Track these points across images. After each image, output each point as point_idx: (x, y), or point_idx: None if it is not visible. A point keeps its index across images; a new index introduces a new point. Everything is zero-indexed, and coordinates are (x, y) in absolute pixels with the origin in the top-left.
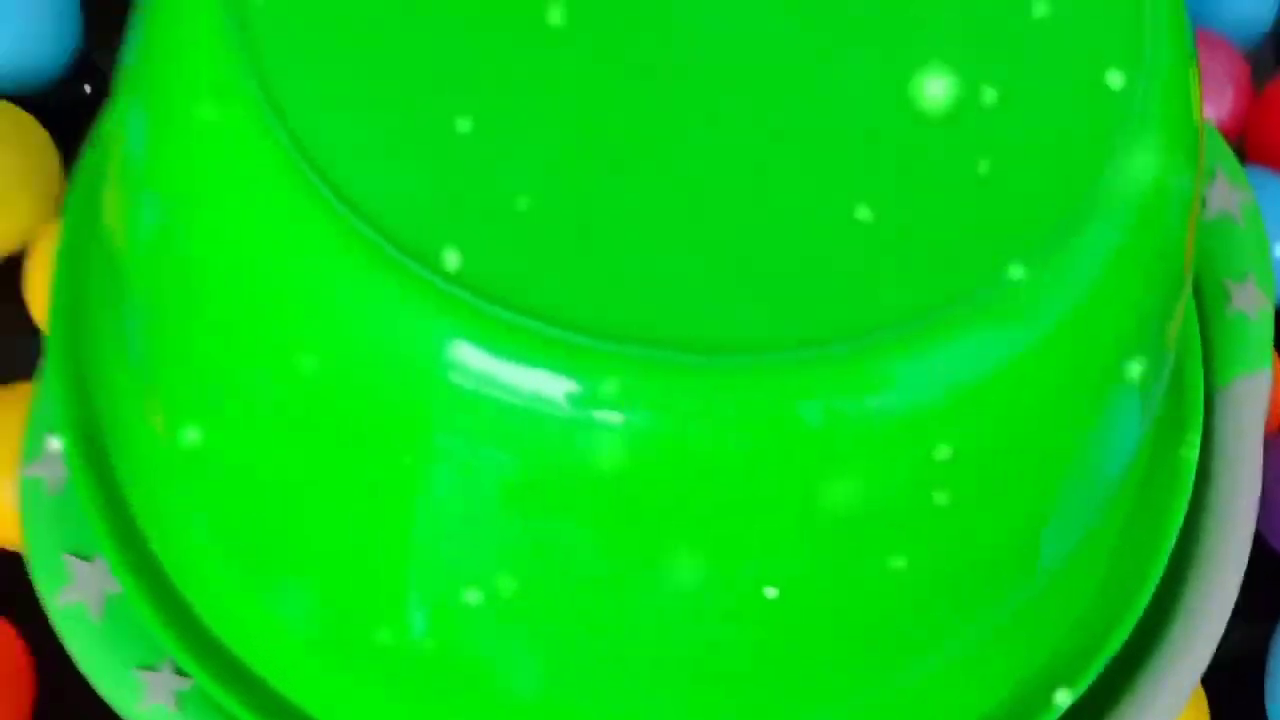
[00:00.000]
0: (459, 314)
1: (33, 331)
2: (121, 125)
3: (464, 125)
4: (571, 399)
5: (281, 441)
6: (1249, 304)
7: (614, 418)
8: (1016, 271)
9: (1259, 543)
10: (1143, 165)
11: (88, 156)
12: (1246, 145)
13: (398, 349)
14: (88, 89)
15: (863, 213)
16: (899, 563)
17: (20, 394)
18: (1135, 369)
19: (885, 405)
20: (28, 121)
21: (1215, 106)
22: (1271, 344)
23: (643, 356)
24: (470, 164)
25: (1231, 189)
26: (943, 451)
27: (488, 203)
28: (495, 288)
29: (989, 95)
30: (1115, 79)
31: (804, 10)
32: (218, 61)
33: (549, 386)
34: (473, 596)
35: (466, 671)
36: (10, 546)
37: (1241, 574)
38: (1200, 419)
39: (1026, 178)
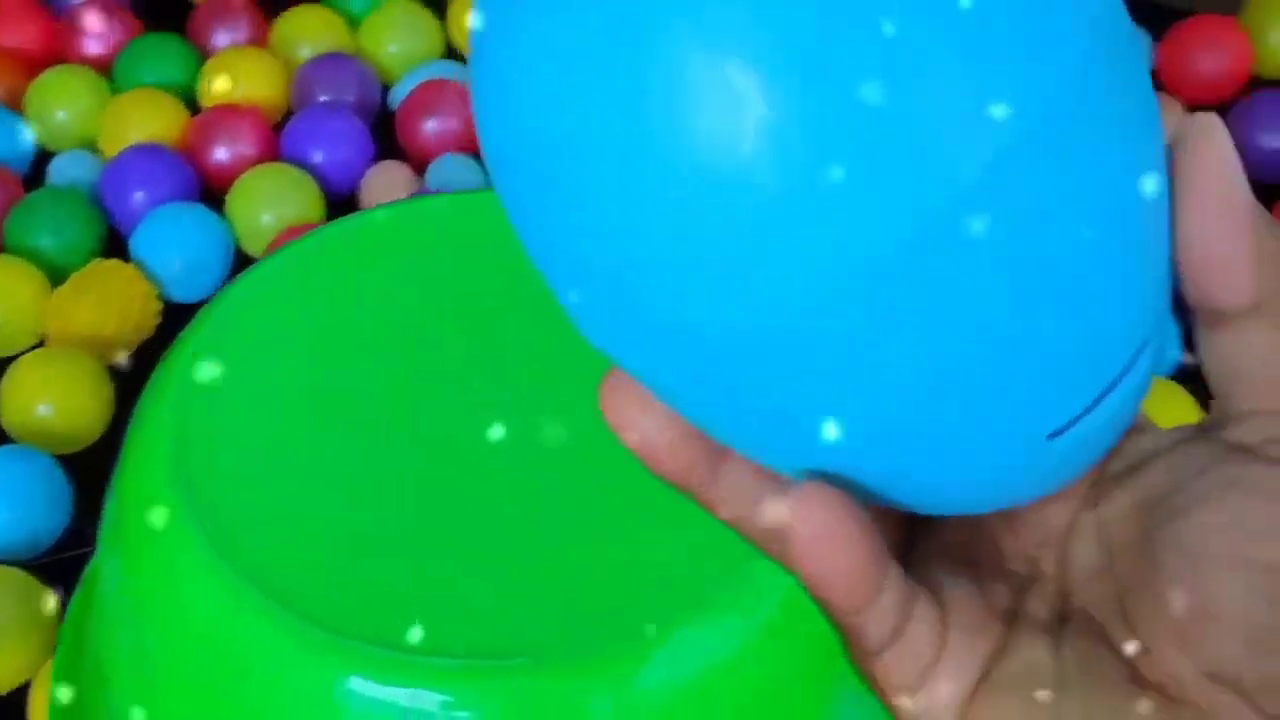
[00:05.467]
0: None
1: None
2: (101, 566)
3: (332, 517)
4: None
5: None
6: None
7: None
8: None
9: None
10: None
11: (76, 599)
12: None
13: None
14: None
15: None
16: None
17: None
18: None
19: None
20: (24, 579)
21: None
22: None
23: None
24: (339, 538)
25: None
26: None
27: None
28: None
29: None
30: None
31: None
32: (161, 485)
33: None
34: None
35: None
36: None
37: None
38: None
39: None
